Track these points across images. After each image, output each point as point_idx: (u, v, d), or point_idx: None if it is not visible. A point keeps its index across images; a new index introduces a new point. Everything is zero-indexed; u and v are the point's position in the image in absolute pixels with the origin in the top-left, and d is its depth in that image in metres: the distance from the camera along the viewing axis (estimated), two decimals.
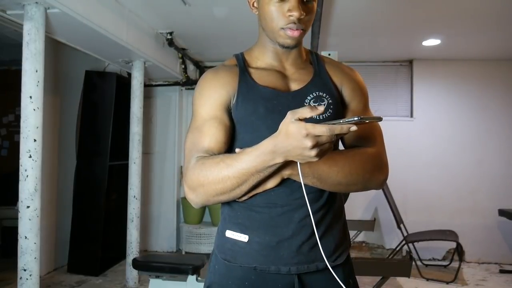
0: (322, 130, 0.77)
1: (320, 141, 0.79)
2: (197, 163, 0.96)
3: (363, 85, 1.15)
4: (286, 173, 0.95)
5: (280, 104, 1.02)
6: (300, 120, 0.79)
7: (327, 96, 1.06)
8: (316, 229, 0.97)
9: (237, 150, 0.94)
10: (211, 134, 1.00)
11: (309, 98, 1.05)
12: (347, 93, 1.11)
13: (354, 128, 0.78)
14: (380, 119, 0.81)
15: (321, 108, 0.79)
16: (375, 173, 1.02)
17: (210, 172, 0.92)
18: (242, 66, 1.09)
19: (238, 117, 1.03)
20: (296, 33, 1.01)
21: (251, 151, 0.88)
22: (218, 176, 0.91)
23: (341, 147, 1.12)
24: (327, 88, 1.08)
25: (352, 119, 0.77)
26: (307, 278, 1.03)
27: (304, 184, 0.91)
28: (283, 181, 0.98)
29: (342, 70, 1.14)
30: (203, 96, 1.05)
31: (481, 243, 4.66)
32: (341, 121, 0.78)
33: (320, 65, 1.13)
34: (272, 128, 0.87)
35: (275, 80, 1.07)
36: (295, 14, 0.98)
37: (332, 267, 0.97)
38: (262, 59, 1.11)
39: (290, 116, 0.80)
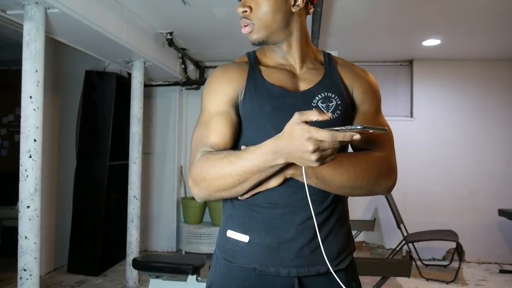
0: (325, 135, 0.76)
1: (322, 146, 0.78)
2: (202, 157, 0.97)
3: (376, 87, 1.13)
4: (289, 172, 0.95)
5: (287, 103, 1.02)
6: (306, 122, 0.78)
7: (336, 97, 1.04)
8: (318, 232, 0.96)
9: (242, 147, 0.94)
10: (217, 130, 1.01)
11: (317, 98, 1.04)
12: (358, 95, 1.09)
13: (357, 136, 0.76)
14: (385, 130, 0.79)
15: (329, 115, 0.78)
16: (381, 178, 1.01)
17: (213, 167, 0.93)
18: (253, 64, 1.09)
19: (244, 114, 1.03)
20: (244, 30, 1.05)
21: (254, 150, 0.88)
22: (220, 172, 0.92)
23: (350, 150, 1.10)
24: (336, 89, 1.06)
25: (355, 127, 0.76)
26: (308, 281, 1.02)
27: (307, 185, 0.91)
28: (286, 181, 0.97)
29: (355, 72, 1.12)
30: (210, 92, 1.06)
31: (481, 243, 4.66)
32: (344, 128, 0.77)
33: (332, 65, 1.11)
34: (277, 126, 0.87)
35: (284, 79, 1.06)
36: (238, 10, 1.04)
37: (334, 272, 0.95)
38: (271, 58, 1.11)
39: (297, 117, 0.79)
